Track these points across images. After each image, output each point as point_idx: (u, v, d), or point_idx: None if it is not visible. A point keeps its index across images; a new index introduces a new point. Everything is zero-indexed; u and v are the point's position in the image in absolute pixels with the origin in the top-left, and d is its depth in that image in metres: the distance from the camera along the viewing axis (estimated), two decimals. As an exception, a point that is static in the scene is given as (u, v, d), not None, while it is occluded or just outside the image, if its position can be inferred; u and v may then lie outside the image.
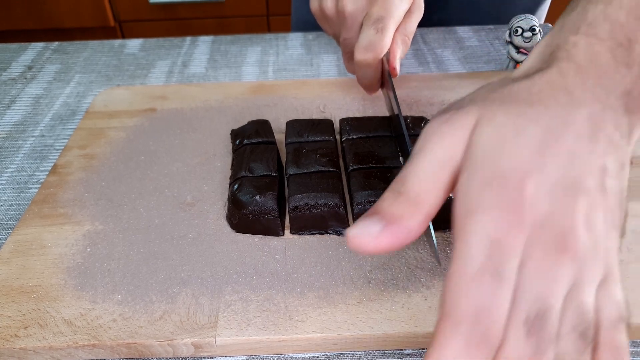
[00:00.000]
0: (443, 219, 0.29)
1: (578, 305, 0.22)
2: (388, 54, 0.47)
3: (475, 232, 0.22)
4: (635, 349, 0.33)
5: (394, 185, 0.25)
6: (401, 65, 0.65)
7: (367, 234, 0.24)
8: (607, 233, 0.23)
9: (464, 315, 0.21)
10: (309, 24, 0.73)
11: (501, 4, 0.76)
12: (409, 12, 0.49)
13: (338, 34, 0.52)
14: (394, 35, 0.47)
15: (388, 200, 0.24)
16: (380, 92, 0.52)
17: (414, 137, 0.45)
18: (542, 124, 0.24)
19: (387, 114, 0.51)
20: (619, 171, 0.24)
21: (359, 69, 0.48)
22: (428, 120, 0.47)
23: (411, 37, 0.50)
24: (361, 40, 0.46)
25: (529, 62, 0.27)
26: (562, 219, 0.22)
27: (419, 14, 0.50)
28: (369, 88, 0.50)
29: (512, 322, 0.21)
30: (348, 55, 0.51)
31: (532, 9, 0.76)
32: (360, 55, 0.46)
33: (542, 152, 0.23)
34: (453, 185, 0.24)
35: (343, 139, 0.45)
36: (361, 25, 0.47)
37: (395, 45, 0.48)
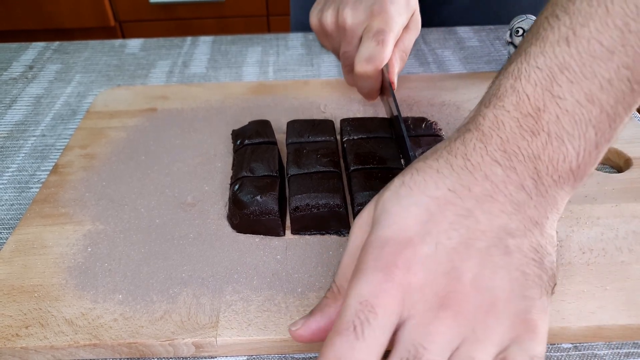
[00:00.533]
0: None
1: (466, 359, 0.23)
2: (387, 65, 0.48)
3: (351, 292, 0.24)
4: (635, 350, 0.33)
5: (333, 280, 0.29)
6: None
7: (301, 326, 0.28)
8: (519, 292, 0.24)
9: None
10: (308, 26, 0.73)
11: (501, 4, 0.76)
12: (406, 29, 0.50)
13: (337, 48, 0.52)
14: (393, 50, 0.48)
15: (323, 299, 0.28)
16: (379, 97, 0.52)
17: (415, 137, 0.45)
18: (430, 191, 0.26)
19: (387, 115, 0.51)
20: (525, 231, 0.25)
21: (360, 80, 0.49)
22: (429, 120, 0.47)
23: (408, 54, 0.51)
24: (362, 52, 0.47)
25: (447, 137, 0.30)
26: (445, 280, 0.24)
27: (415, 31, 0.52)
28: (368, 96, 0.51)
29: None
30: (348, 68, 0.51)
31: (533, 9, 0.76)
32: (361, 67, 0.47)
33: (425, 221, 0.25)
34: None
35: (344, 140, 0.45)
36: (361, 39, 0.48)
37: (393, 60, 0.49)
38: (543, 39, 0.27)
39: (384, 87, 0.49)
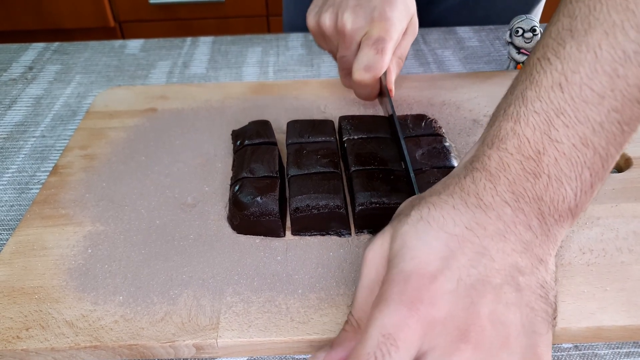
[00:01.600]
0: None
1: None
2: (385, 71, 0.48)
3: (374, 323, 0.25)
4: (636, 350, 0.33)
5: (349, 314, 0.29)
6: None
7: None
8: (529, 327, 0.25)
9: None
10: (300, 27, 0.73)
11: (490, 3, 0.76)
12: (404, 34, 0.51)
13: (335, 50, 0.52)
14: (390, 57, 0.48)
15: (342, 332, 0.29)
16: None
17: (415, 138, 0.45)
18: (448, 228, 0.26)
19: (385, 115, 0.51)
20: (532, 269, 0.26)
21: (357, 87, 0.49)
22: (428, 118, 0.47)
23: (404, 59, 0.52)
24: (360, 61, 0.47)
25: (457, 168, 0.30)
26: (465, 315, 0.24)
27: (413, 36, 0.52)
28: (366, 99, 0.51)
29: None
30: (345, 71, 0.51)
31: (526, 10, 0.77)
32: (360, 75, 0.47)
33: (445, 257, 0.26)
34: None
35: (344, 139, 0.45)
36: (359, 44, 0.48)
37: (390, 67, 0.49)
38: (537, 84, 0.28)
39: (381, 92, 0.50)
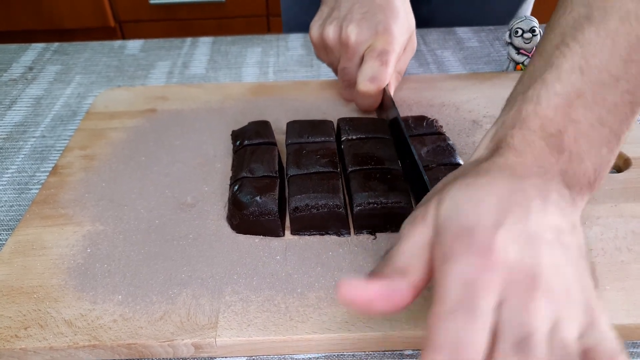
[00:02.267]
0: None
1: (561, 340, 0.24)
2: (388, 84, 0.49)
3: (450, 276, 0.25)
4: (635, 350, 0.33)
5: (382, 262, 0.28)
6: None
7: (357, 285, 0.26)
8: (580, 281, 0.26)
9: (442, 347, 0.23)
10: (300, 27, 0.73)
11: (482, 3, 0.76)
12: (403, 50, 0.51)
13: (335, 62, 0.53)
14: None
15: (378, 268, 0.28)
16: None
17: (419, 137, 0.45)
18: (495, 190, 0.27)
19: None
20: (571, 230, 0.27)
21: (361, 98, 0.49)
22: (429, 119, 0.47)
23: (403, 74, 0.53)
24: (366, 72, 0.48)
25: (477, 154, 0.31)
26: (531, 263, 0.25)
27: (411, 52, 0.53)
28: (367, 110, 0.52)
29: (500, 347, 0.24)
30: (346, 83, 0.52)
31: (512, 12, 0.77)
32: (365, 86, 0.48)
33: (500, 211, 0.26)
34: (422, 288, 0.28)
35: (342, 139, 0.45)
36: (362, 57, 0.49)
37: (390, 80, 0.50)
38: (557, 67, 0.30)
39: (382, 104, 0.50)
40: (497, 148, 0.30)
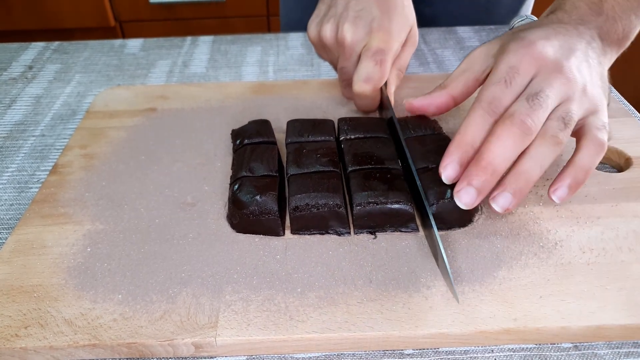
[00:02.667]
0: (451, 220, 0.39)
1: (566, 108, 0.36)
2: (386, 82, 0.48)
3: (502, 62, 0.38)
4: (635, 350, 0.33)
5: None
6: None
7: (415, 100, 0.45)
8: (594, 85, 0.38)
9: (484, 102, 0.37)
10: (299, 26, 0.73)
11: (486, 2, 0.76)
12: (404, 45, 0.51)
13: (335, 61, 0.52)
14: (390, 68, 0.49)
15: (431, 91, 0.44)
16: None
17: (421, 137, 0.45)
18: (544, 27, 0.40)
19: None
20: (597, 62, 0.40)
21: (358, 98, 0.49)
22: (429, 119, 0.47)
23: (404, 71, 0.52)
24: (360, 72, 0.47)
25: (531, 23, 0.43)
26: (560, 60, 0.37)
27: (413, 47, 0.53)
28: (366, 111, 0.52)
29: (518, 98, 0.37)
30: (345, 82, 0.51)
31: (513, 11, 0.77)
32: (359, 87, 0.48)
33: (547, 34, 0.39)
34: (477, 82, 0.42)
35: (341, 139, 0.45)
36: (359, 56, 0.49)
37: (390, 78, 0.49)
38: None
39: (382, 103, 0.50)
40: (550, 13, 0.43)
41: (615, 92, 0.56)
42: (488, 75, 0.40)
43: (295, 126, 0.46)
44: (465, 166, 0.36)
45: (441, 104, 0.43)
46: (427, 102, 0.43)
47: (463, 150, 0.36)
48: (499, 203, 0.35)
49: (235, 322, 0.33)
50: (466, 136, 0.36)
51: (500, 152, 0.35)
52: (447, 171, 0.37)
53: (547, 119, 0.36)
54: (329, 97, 0.55)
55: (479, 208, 0.40)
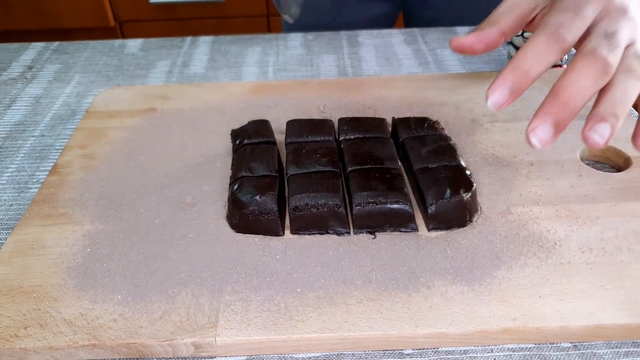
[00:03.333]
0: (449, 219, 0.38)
1: (634, 50, 0.34)
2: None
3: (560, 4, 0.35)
4: (635, 349, 0.33)
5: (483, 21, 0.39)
6: (400, 65, 0.65)
7: (462, 37, 0.38)
8: None
9: (550, 26, 0.34)
10: (299, 26, 0.73)
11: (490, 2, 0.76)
12: None
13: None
14: None
15: (478, 26, 0.39)
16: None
17: (420, 137, 0.45)
18: None
19: (385, 115, 0.51)
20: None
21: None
22: (430, 120, 0.47)
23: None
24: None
25: None
26: (625, 4, 0.35)
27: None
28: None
29: (593, 34, 0.34)
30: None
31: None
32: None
33: None
34: (525, 19, 0.38)
35: (341, 139, 0.45)
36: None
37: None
38: None
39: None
40: None
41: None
42: (537, 16, 0.38)
43: (295, 126, 0.46)
44: (515, 95, 0.33)
45: (492, 41, 0.39)
46: (478, 39, 0.39)
47: (517, 76, 0.33)
48: (596, 136, 0.32)
49: (235, 322, 0.33)
50: (524, 61, 0.33)
51: (581, 89, 0.32)
52: (495, 96, 0.33)
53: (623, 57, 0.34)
54: (329, 97, 0.55)
55: (479, 208, 0.41)
